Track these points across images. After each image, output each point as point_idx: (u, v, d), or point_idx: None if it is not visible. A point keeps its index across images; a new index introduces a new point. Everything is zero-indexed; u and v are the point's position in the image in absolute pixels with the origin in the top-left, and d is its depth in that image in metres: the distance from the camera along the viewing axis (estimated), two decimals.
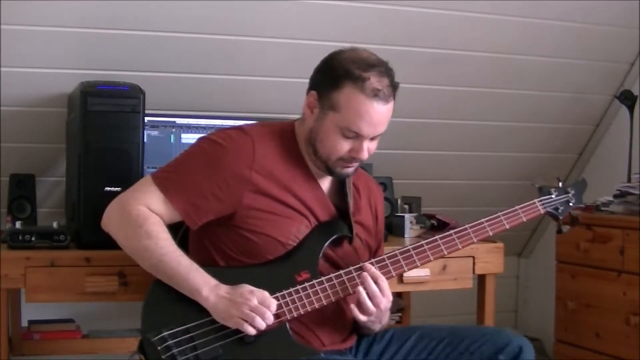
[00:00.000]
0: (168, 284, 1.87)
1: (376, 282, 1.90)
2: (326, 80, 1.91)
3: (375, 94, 1.86)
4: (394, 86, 1.91)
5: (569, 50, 3.31)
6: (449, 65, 3.17)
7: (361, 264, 1.93)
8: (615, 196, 3.13)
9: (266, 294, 1.83)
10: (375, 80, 1.86)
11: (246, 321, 1.80)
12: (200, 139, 2.00)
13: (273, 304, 1.83)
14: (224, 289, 1.84)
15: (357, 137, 1.90)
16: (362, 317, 1.91)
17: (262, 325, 1.80)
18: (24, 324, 2.86)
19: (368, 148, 1.92)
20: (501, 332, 2.00)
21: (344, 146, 1.91)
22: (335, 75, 1.89)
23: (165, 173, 1.95)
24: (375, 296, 1.89)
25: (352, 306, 1.90)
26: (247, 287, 1.83)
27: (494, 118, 3.44)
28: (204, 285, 1.83)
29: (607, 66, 3.44)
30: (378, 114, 1.88)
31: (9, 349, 2.49)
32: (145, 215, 1.89)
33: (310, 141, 1.95)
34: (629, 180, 3.20)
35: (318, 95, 1.92)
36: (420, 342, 2.01)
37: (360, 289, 1.89)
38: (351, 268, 1.93)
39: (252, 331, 1.80)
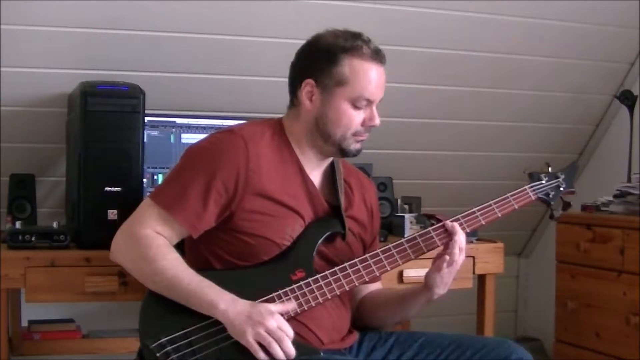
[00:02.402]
0: (183, 304, 1.83)
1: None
2: (321, 63, 1.93)
3: (374, 58, 1.94)
4: (379, 49, 1.97)
5: (569, 50, 3.31)
6: (449, 65, 3.17)
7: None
8: (615, 196, 3.13)
9: (285, 323, 1.79)
10: (366, 46, 1.94)
11: (259, 342, 1.76)
12: (190, 148, 1.98)
13: (290, 331, 1.78)
14: (241, 304, 1.80)
15: (368, 104, 1.95)
16: (445, 269, 1.94)
17: (278, 352, 1.75)
18: (24, 324, 2.86)
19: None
20: (503, 343, 1.99)
21: (358, 118, 1.94)
22: (328, 53, 1.93)
23: (162, 190, 1.93)
24: (462, 248, 1.95)
25: (441, 255, 1.96)
26: (268, 307, 1.79)
27: (493, 118, 3.44)
28: (220, 299, 1.80)
29: (607, 66, 3.44)
30: (380, 76, 1.96)
31: (9, 349, 2.49)
32: (152, 237, 1.87)
33: (318, 128, 1.96)
34: (629, 180, 3.19)
35: (315, 81, 1.94)
36: (423, 350, 2.00)
37: (457, 229, 1.95)
38: (345, 264, 1.93)
39: (262, 356, 1.75)
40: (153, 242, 1.86)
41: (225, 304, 1.80)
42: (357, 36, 1.95)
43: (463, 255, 1.97)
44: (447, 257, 1.94)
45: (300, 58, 1.99)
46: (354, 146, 1.98)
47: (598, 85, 3.50)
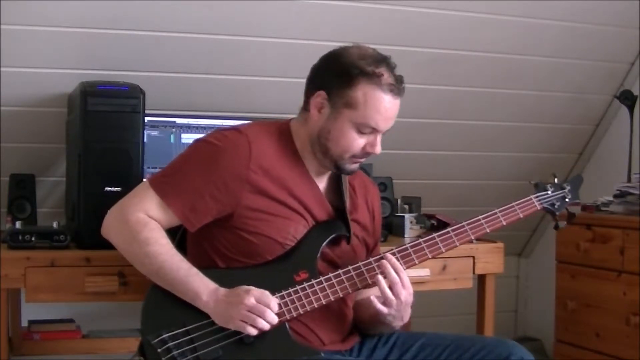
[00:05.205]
0: (169, 290, 1.87)
1: (396, 273, 1.90)
2: (337, 79, 1.91)
3: (391, 89, 1.90)
4: (401, 80, 1.93)
5: (569, 50, 3.31)
6: (449, 65, 3.17)
7: (375, 257, 1.93)
8: (615, 196, 3.13)
9: (265, 292, 1.83)
10: (387, 76, 1.90)
11: (246, 322, 1.80)
12: (196, 141, 2.00)
13: (273, 301, 1.82)
14: (222, 292, 1.84)
15: (373, 132, 1.92)
16: (383, 309, 1.90)
17: (264, 325, 1.80)
18: (24, 324, 2.86)
19: None
20: (504, 342, 1.99)
21: (360, 142, 1.93)
22: (347, 73, 1.90)
23: (162, 177, 1.95)
24: (395, 284, 1.89)
25: (373, 297, 1.91)
26: (243, 287, 1.83)
27: (493, 118, 3.44)
28: (204, 291, 1.84)
29: (607, 66, 3.44)
30: (393, 108, 1.93)
31: (9, 349, 2.49)
32: (144, 221, 1.89)
33: (319, 141, 1.95)
34: (629, 180, 3.19)
35: (328, 94, 1.93)
36: (424, 350, 2.01)
37: (380, 277, 1.90)
38: (349, 267, 1.93)
39: (253, 332, 1.80)
40: (146, 226, 1.88)
41: (207, 295, 1.83)
42: (382, 61, 1.91)
43: (401, 290, 1.89)
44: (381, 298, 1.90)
45: (321, 67, 1.97)
46: (349, 166, 1.97)
47: (598, 85, 3.50)
